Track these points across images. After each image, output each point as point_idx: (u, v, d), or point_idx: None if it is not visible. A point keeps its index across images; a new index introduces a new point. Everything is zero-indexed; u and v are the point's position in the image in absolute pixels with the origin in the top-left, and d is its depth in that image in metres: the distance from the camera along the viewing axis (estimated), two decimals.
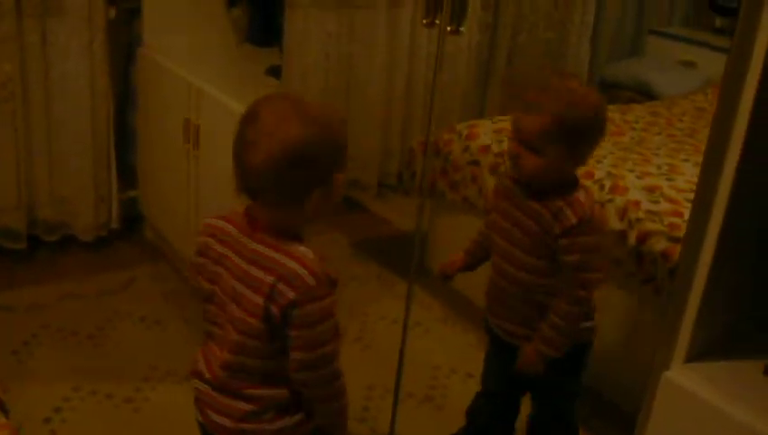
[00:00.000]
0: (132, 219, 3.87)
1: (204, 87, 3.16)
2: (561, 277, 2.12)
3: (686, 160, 3.30)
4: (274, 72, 3.34)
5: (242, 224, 1.73)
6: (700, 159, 1.43)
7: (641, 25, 5.38)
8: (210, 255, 1.77)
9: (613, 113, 3.98)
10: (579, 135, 2.03)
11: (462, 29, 2.10)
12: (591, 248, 2.08)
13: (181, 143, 3.29)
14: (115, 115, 3.67)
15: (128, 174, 3.84)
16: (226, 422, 1.79)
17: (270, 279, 1.63)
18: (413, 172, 4.21)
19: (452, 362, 3.16)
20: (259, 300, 1.64)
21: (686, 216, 1.49)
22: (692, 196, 1.47)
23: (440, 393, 2.99)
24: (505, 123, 3.53)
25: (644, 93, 4.90)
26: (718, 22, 5.24)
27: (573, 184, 2.12)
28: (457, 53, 4.42)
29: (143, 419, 2.77)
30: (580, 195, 2.09)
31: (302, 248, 1.66)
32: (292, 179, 1.63)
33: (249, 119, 1.66)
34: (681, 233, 2.42)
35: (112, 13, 3.52)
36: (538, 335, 2.18)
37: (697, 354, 1.47)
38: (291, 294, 1.62)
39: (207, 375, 1.81)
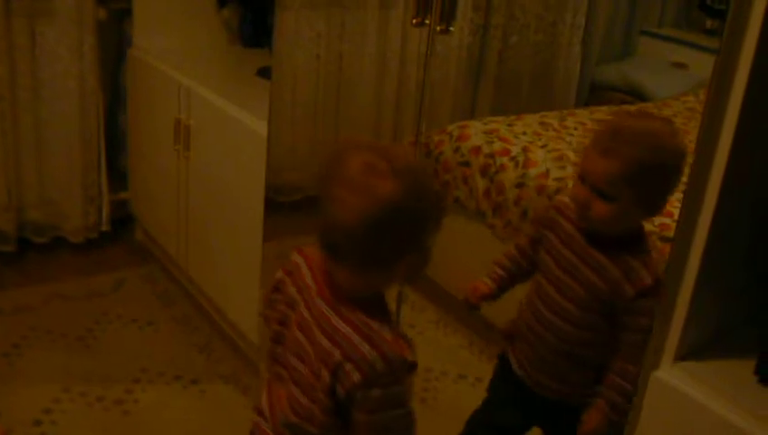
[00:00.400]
0: (123, 221, 3.86)
1: (194, 88, 3.15)
2: (623, 338, 1.95)
3: None
4: (265, 72, 3.33)
5: (320, 279, 1.59)
6: (691, 159, 1.42)
7: (632, 27, 5.37)
8: (286, 292, 1.65)
9: (604, 114, 3.98)
10: (657, 183, 1.87)
11: (451, 29, 2.09)
12: (653, 312, 1.84)
13: (171, 144, 3.28)
14: (105, 116, 3.66)
15: (118, 176, 3.83)
16: None
17: (337, 356, 1.51)
18: None
19: (444, 364, 3.16)
20: (326, 374, 1.53)
21: (676, 216, 1.49)
22: (682, 196, 1.46)
23: (432, 395, 2.99)
24: (496, 124, 3.53)
25: (635, 95, 4.90)
26: (709, 23, 5.24)
27: (643, 237, 1.97)
28: (448, 54, 4.41)
29: (133, 420, 2.76)
30: (654, 253, 1.94)
31: (378, 328, 1.52)
32: (386, 244, 1.46)
33: (336, 171, 1.46)
34: (671, 233, 2.42)
35: (102, 13, 3.51)
36: (605, 401, 1.99)
37: (687, 354, 1.46)
38: (356, 377, 1.49)
39: (269, 420, 1.71)
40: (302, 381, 1.61)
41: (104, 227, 3.72)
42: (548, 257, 2.08)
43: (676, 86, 4.85)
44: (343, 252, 1.49)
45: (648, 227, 2.67)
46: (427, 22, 2.12)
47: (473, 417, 2.45)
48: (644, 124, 1.91)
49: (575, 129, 3.66)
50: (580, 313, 2.00)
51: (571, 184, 2.98)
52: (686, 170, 1.69)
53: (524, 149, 3.25)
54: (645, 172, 1.80)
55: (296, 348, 1.61)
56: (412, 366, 1.54)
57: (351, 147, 1.49)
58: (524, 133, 3.46)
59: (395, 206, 1.41)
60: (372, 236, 1.43)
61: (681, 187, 1.69)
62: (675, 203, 2.74)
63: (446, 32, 2.10)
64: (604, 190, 1.86)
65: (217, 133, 3.07)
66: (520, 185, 3.13)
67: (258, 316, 2.87)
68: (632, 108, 4.22)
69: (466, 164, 3.37)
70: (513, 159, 3.22)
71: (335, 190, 1.44)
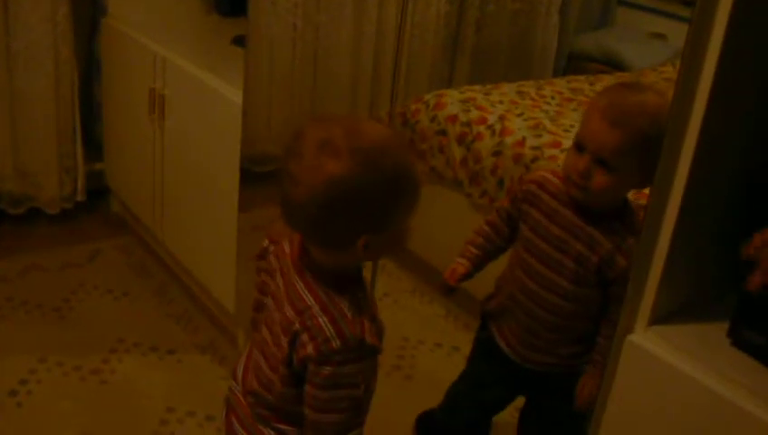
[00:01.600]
0: (98, 192, 3.84)
1: (169, 57, 3.13)
2: (614, 308, 1.96)
3: None
4: (240, 41, 3.31)
5: (296, 248, 1.58)
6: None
7: None
8: (268, 260, 1.65)
9: (581, 84, 3.98)
10: (655, 154, 1.91)
11: None
12: None
13: (146, 114, 3.26)
14: (80, 87, 3.62)
15: (93, 146, 3.80)
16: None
17: (296, 325, 1.50)
18: None
19: (420, 332, 3.17)
20: (285, 342, 1.53)
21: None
22: None
23: (408, 363, 3.00)
24: (473, 93, 3.53)
25: (613, 65, 4.90)
26: None
27: (630, 208, 1.99)
28: (425, 24, 4.40)
29: (110, 390, 2.76)
30: (635, 216, 1.97)
31: (342, 305, 1.50)
32: (339, 223, 1.44)
33: (293, 147, 1.43)
34: (645, 200, 2.43)
35: None
36: (598, 367, 2.01)
37: (661, 317, 1.47)
38: (310, 348, 1.49)
39: (239, 386, 1.73)
40: (266, 350, 1.61)
41: (80, 198, 3.70)
42: (533, 234, 2.09)
43: (653, 56, 4.86)
44: (301, 229, 1.50)
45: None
46: None
47: (455, 391, 2.46)
48: (647, 98, 1.91)
49: (552, 98, 3.66)
50: (572, 286, 2.02)
51: (547, 152, 2.99)
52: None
53: (501, 118, 3.25)
54: (647, 143, 1.81)
55: (267, 317, 1.62)
56: (372, 349, 1.51)
57: (314, 121, 1.46)
58: (501, 102, 3.45)
59: (345, 185, 1.38)
60: (324, 215, 1.41)
61: None
62: None
63: None
64: (608, 160, 1.87)
65: (193, 103, 3.05)
66: (497, 153, 3.13)
67: (235, 286, 2.88)
68: (609, 77, 4.23)
69: (443, 133, 3.37)
70: (489, 127, 3.22)
71: (290, 166, 1.42)
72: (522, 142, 3.09)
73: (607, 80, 4.13)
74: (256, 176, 3.07)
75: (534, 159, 3.00)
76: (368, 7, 4.18)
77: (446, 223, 3.31)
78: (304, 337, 1.49)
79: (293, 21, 3.90)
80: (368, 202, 1.42)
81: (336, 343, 1.47)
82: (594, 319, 2.07)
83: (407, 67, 3.97)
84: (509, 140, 3.12)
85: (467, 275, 2.21)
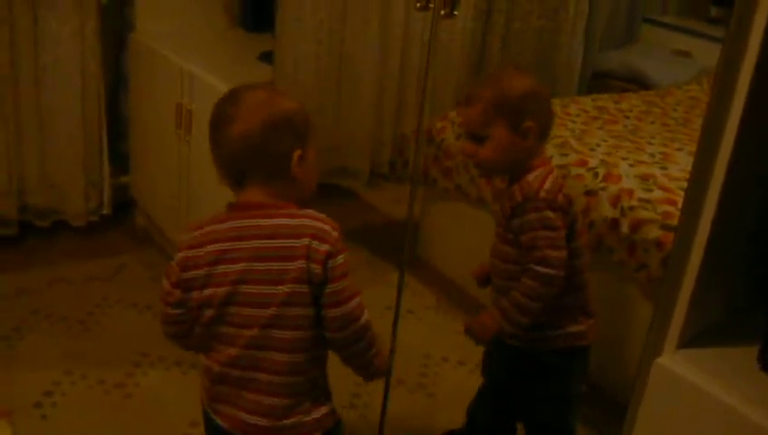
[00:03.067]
0: (124, 205, 3.86)
1: (196, 72, 3.14)
2: (526, 259, 2.11)
3: (679, 150, 3.29)
4: (267, 57, 3.33)
5: (239, 214, 1.76)
6: (694, 148, 1.42)
7: (635, 14, 5.37)
8: (199, 262, 1.76)
9: (606, 102, 3.98)
10: (516, 110, 2.09)
11: (456, 12, 2.09)
12: (541, 225, 2.07)
13: (173, 128, 3.28)
14: (107, 101, 3.65)
15: (120, 160, 3.82)
16: (261, 422, 1.76)
17: (305, 240, 1.66)
18: (405, 160, 4.19)
19: (444, 349, 3.16)
20: (298, 264, 1.67)
21: (680, 204, 1.49)
22: (685, 184, 1.46)
23: (431, 381, 2.99)
24: None
25: (637, 83, 4.90)
26: (713, 11, 5.23)
27: (528, 167, 2.14)
28: (451, 40, 4.41)
29: (134, 404, 2.77)
30: (530, 176, 2.11)
31: (306, 209, 1.73)
32: (271, 143, 1.70)
33: (228, 100, 1.76)
34: (674, 221, 2.42)
35: None
36: (499, 309, 2.16)
37: (690, 341, 1.46)
38: (325, 247, 1.66)
39: (217, 369, 1.79)
40: (264, 299, 1.70)
41: (105, 211, 3.73)
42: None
43: (678, 74, 4.85)
44: (245, 167, 1.74)
45: (650, 215, 2.69)
46: (431, 6, 2.11)
47: (473, 405, 2.49)
48: (497, 72, 2.33)
49: (577, 115, 3.66)
50: (503, 247, 2.20)
51: (573, 171, 2.98)
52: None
53: None
54: (501, 106, 2.08)
55: (245, 278, 1.71)
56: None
57: (244, 86, 1.80)
58: None
59: (276, 114, 1.72)
60: (261, 140, 1.70)
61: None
62: (678, 191, 2.75)
63: (450, 16, 2.10)
64: (478, 132, 2.14)
65: None
66: None
67: None
68: (634, 96, 4.21)
69: None
70: None
71: (229, 111, 1.74)
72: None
73: (632, 98, 4.12)
74: None
75: (561, 178, 2.98)
76: (393, 24, 4.20)
77: (470, 240, 3.30)
78: (315, 244, 1.67)
79: (319, 37, 3.92)
80: (291, 123, 1.73)
81: (335, 233, 1.70)
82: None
83: (432, 84, 3.97)
84: None
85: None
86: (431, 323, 3.34)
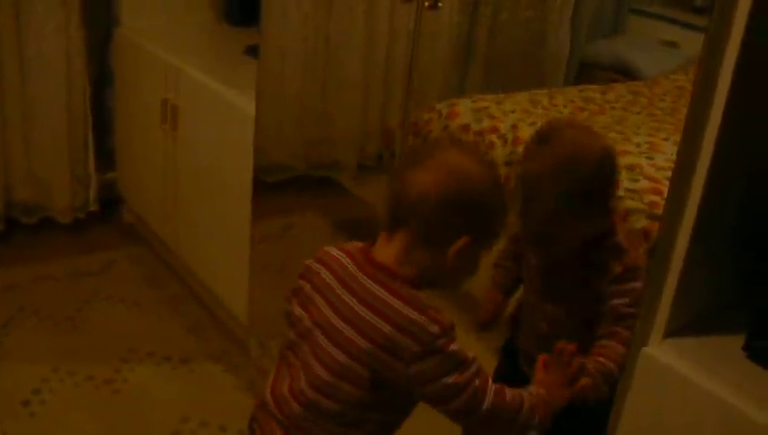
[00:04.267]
0: (111, 202, 3.85)
1: (181, 67, 3.14)
2: None
3: (665, 139, 3.29)
4: (253, 51, 3.31)
5: (360, 260, 1.63)
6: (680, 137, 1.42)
7: (622, 4, 5.36)
8: (313, 279, 1.66)
9: (593, 93, 3.97)
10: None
11: (440, 4, 2.08)
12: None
13: (159, 124, 3.27)
14: (92, 97, 3.63)
15: (106, 156, 3.81)
16: None
17: (387, 328, 1.52)
18: (392, 152, 4.19)
19: None
20: (366, 345, 1.53)
21: (666, 194, 1.49)
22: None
23: None
24: (485, 102, 3.52)
25: (624, 73, 4.89)
26: (698, 1, 5.23)
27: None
28: (437, 32, 4.40)
29: (122, 400, 2.77)
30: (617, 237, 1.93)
31: (418, 295, 1.56)
32: (452, 217, 1.56)
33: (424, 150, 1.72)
34: (660, 211, 2.42)
35: None
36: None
37: (677, 330, 1.46)
38: (413, 347, 1.50)
39: (273, 406, 1.68)
40: (326, 358, 1.59)
41: (92, 208, 3.71)
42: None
43: (665, 64, 4.84)
44: (411, 217, 1.57)
45: (636, 205, 2.69)
46: None
47: None
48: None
49: (564, 106, 3.66)
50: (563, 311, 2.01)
51: None
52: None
53: (513, 127, 3.24)
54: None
55: (325, 327, 1.60)
56: (452, 326, 1.56)
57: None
58: (513, 111, 3.44)
59: (474, 188, 1.57)
60: (444, 206, 1.55)
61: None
62: (664, 181, 2.75)
63: (434, 7, 2.08)
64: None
65: (205, 113, 3.06)
66: (509, 163, 3.12)
67: (247, 296, 2.88)
68: (621, 86, 4.22)
69: None
70: (501, 136, 3.22)
71: (421, 156, 1.62)
72: None
73: (619, 89, 4.12)
74: (268, 186, 3.07)
75: None
76: (378, 17, 4.18)
77: None
78: (400, 338, 1.50)
79: (304, 31, 3.90)
80: (484, 208, 1.59)
81: (434, 328, 1.50)
82: None
83: (418, 76, 3.97)
84: (522, 149, 3.11)
85: (502, 306, 2.20)
86: None
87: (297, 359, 1.65)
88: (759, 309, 1.44)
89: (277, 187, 3.28)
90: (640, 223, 2.67)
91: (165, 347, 3.04)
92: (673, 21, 5.21)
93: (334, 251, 1.68)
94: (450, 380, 1.53)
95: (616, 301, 1.86)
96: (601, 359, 1.85)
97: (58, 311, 3.17)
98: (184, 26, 3.66)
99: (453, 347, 1.52)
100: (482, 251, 1.64)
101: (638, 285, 1.85)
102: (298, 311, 1.67)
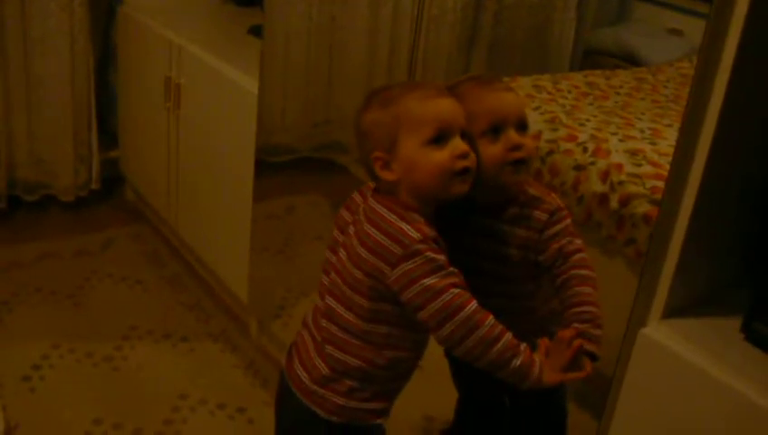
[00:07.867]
0: (113, 180, 3.85)
1: (185, 45, 3.13)
2: None
3: (669, 126, 3.28)
4: (256, 31, 3.31)
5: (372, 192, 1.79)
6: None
7: None
8: (351, 206, 1.84)
9: (598, 78, 3.97)
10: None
11: None
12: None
13: (162, 102, 3.26)
14: (96, 75, 3.63)
15: (109, 134, 3.81)
16: (305, 378, 1.80)
17: (380, 236, 1.65)
18: None
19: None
20: (365, 254, 1.67)
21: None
22: None
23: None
24: None
25: (630, 60, 4.87)
26: None
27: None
28: (442, 15, 4.39)
29: (122, 377, 2.77)
30: (531, 189, 1.94)
31: (409, 214, 1.67)
32: (360, 143, 1.80)
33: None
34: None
35: None
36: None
37: (675, 311, 1.46)
38: (397, 250, 1.62)
39: (310, 321, 1.86)
40: (345, 272, 1.74)
41: (94, 186, 3.71)
42: None
43: (670, 52, 4.83)
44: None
45: (639, 190, 2.69)
46: None
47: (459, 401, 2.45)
48: None
49: (569, 92, 3.65)
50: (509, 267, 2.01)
51: (562, 146, 2.98)
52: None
53: None
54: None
55: (343, 254, 1.76)
56: (436, 238, 1.65)
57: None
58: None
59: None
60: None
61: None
62: (667, 166, 2.74)
63: None
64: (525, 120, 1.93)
65: (208, 92, 3.05)
66: None
67: (248, 275, 2.88)
68: (625, 72, 4.21)
69: None
70: None
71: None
72: (537, 136, 3.07)
73: (623, 75, 4.12)
74: (270, 166, 3.06)
75: (550, 153, 2.99)
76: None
77: None
78: (388, 242, 1.64)
79: (309, 11, 3.89)
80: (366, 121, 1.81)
81: (415, 234, 1.62)
82: None
83: (423, 59, 3.96)
84: None
85: None
86: None
87: (329, 278, 1.81)
88: (757, 290, 1.44)
89: (280, 167, 3.28)
90: (642, 208, 2.67)
91: (165, 325, 3.05)
92: (679, 9, 5.19)
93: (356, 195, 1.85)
94: (429, 281, 1.60)
95: (555, 244, 1.86)
96: (585, 308, 1.88)
97: (60, 288, 3.17)
98: (187, 5, 3.65)
99: (432, 253, 1.61)
100: (412, 146, 1.69)
101: (568, 221, 1.88)
102: (339, 236, 1.82)
